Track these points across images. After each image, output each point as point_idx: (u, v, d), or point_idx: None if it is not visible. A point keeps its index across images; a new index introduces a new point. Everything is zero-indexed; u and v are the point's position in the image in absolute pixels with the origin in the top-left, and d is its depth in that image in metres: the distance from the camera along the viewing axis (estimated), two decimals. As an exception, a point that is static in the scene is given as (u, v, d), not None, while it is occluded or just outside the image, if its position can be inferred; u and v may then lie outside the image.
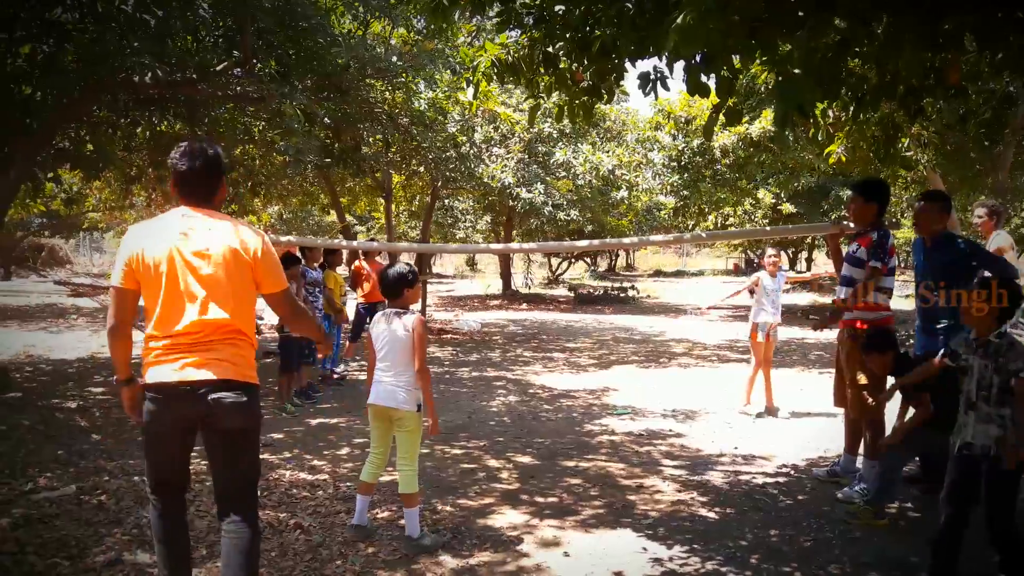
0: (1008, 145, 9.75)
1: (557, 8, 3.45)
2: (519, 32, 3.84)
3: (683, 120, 12.80)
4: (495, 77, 3.80)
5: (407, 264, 4.26)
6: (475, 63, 3.80)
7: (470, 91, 3.92)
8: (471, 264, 37.04)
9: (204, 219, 2.92)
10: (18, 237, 25.59)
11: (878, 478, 4.40)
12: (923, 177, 10.27)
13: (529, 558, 3.90)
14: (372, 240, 11.44)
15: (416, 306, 4.33)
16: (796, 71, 2.76)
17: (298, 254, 7.54)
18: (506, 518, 4.46)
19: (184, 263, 2.83)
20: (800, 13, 2.82)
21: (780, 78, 2.80)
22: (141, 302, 2.95)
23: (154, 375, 2.86)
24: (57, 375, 8.78)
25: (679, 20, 2.52)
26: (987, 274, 4.39)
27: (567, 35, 3.59)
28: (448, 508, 4.60)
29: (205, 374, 2.81)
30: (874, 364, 4.60)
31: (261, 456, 5.37)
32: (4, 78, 5.86)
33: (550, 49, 3.67)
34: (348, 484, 4.97)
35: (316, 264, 7.96)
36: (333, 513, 4.46)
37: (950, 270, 4.62)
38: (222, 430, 2.88)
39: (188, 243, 2.85)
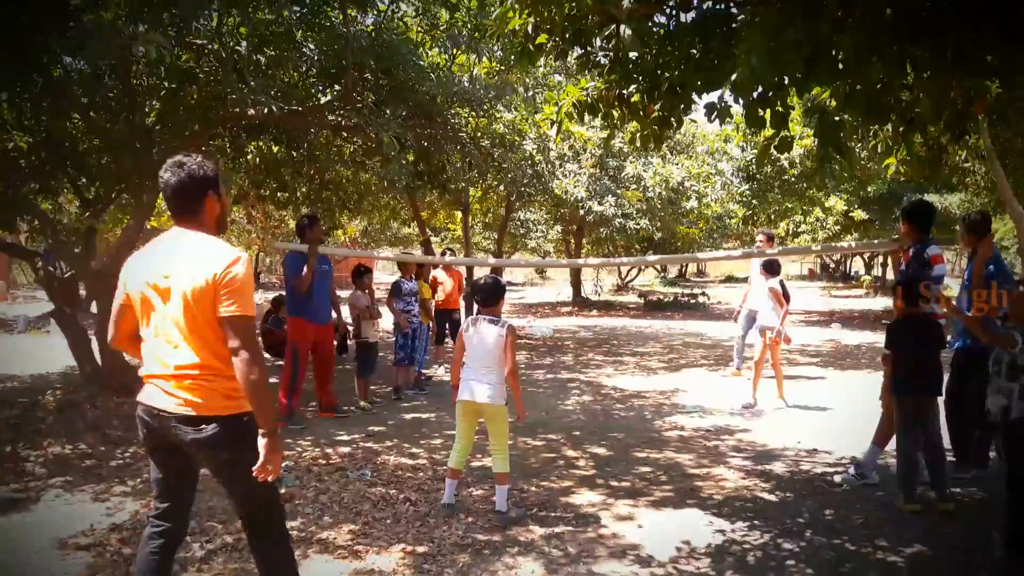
0: (1076, 151, 9.85)
1: (631, 55, 4.04)
2: (598, 75, 4.44)
3: (751, 132, 13.12)
4: (576, 116, 4.42)
5: (496, 277, 4.92)
6: (559, 105, 4.43)
7: (553, 129, 4.54)
8: (540, 272, 37.71)
9: (179, 244, 2.81)
10: (110, 251, 27.29)
11: (901, 465, 4.83)
12: (992, 184, 10.42)
13: (607, 528, 4.49)
14: (451, 252, 12.19)
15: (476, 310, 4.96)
16: (836, 117, 3.28)
17: (365, 264, 8.29)
18: (584, 498, 5.05)
19: (155, 297, 2.77)
20: (840, 66, 3.34)
21: (820, 123, 3.32)
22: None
23: (140, 394, 2.87)
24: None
25: (735, 76, 3.07)
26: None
27: (639, 78, 4.19)
28: (533, 488, 5.22)
29: (170, 406, 2.73)
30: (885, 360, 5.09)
31: (367, 445, 6.20)
32: (138, 119, 6.76)
33: (624, 92, 4.27)
34: (443, 467, 5.62)
35: (410, 275, 8.69)
36: (434, 490, 5.12)
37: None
38: (201, 462, 2.88)
39: (158, 274, 2.77)
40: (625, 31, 3.31)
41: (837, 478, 5.36)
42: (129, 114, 6.15)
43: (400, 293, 8.46)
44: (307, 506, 4.78)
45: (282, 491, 4.84)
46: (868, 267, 36.76)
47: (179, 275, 2.73)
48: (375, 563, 3.96)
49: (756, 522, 4.59)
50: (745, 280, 10.20)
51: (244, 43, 6.00)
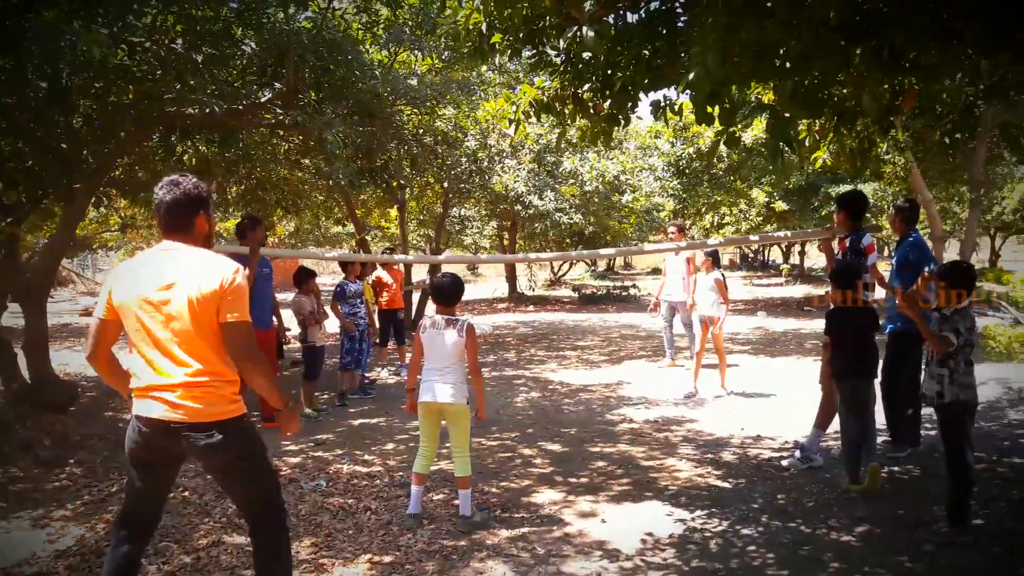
0: (981, 142, 10.43)
1: (585, 55, 4.08)
2: (550, 74, 4.47)
3: (680, 127, 13.46)
4: (532, 115, 4.44)
5: (456, 275, 4.85)
6: (516, 104, 4.44)
7: (512, 128, 4.55)
8: (473, 269, 37.68)
9: (177, 255, 2.91)
10: (26, 258, 25.99)
11: (845, 447, 5.04)
12: (906, 173, 10.92)
13: (571, 526, 4.53)
14: (391, 250, 12.05)
15: (431, 309, 4.89)
16: (786, 114, 3.39)
17: (308, 267, 8.12)
18: (545, 496, 5.08)
19: (151, 309, 2.83)
20: (787, 64, 3.45)
21: (771, 120, 3.43)
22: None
23: (136, 408, 2.90)
24: (103, 391, 9.33)
25: (691, 76, 3.13)
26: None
27: (592, 77, 4.23)
28: (494, 489, 5.23)
29: (178, 416, 2.81)
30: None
31: (316, 454, 6.07)
32: (66, 119, 6.45)
33: (578, 91, 4.30)
34: (400, 473, 5.58)
35: (355, 277, 8.55)
36: (394, 497, 5.07)
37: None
38: (209, 467, 3.05)
39: (155, 286, 2.84)
40: (587, 32, 3.33)
41: (785, 462, 5.56)
42: (56, 114, 5.86)
43: (345, 296, 8.32)
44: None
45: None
46: (786, 256, 38.04)
47: (183, 285, 2.83)
48: (342, 575, 3.90)
49: (714, 510, 4.71)
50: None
51: (181, 40, 5.78)
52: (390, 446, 6.43)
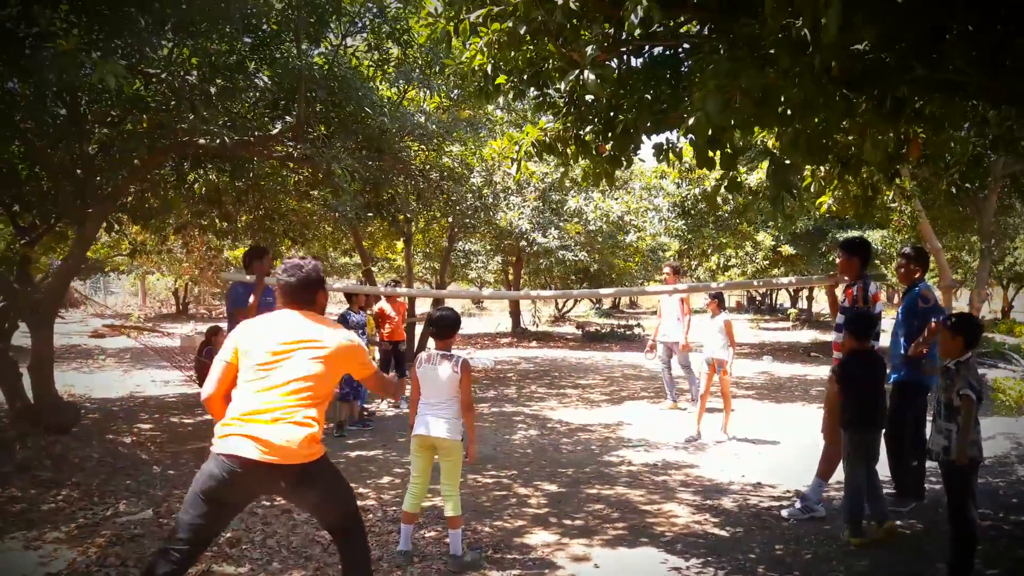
0: (992, 192, 10.45)
1: (588, 97, 4.13)
2: (553, 115, 4.52)
3: (686, 168, 13.54)
4: (535, 155, 4.49)
5: (452, 309, 4.85)
6: (519, 145, 4.49)
7: (514, 168, 4.59)
8: (478, 303, 37.74)
9: (304, 321, 3.37)
10: (39, 280, 26.23)
11: (846, 499, 4.95)
12: (914, 221, 10.93)
13: (563, 570, 4.47)
14: (396, 283, 12.09)
15: (431, 343, 4.89)
16: (787, 160, 3.42)
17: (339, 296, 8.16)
18: (539, 537, 5.02)
19: (273, 359, 3.23)
20: (789, 112, 3.48)
21: (771, 166, 3.45)
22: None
23: (228, 447, 3.12)
24: (105, 413, 9.37)
25: (691, 121, 3.16)
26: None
27: (594, 119, 4.28)
28: (487, 529, 5.17)
29: (274, 457, 3.08)
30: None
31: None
32: (82, 146, 6.56)
33: (581, 132, 4.35)
34: (394, 508, 5.53)
35: (359, 308, 8.57)
36: (386, 532, 5.03)
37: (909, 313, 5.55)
38: (299, 502, 3.42)
39: (280, 340, 3.27)
40: (588, 76, 3.38)
41: (784, 512, 5.47)
42: (73, 141, 5.95)
43: (347, 325, 8.35)
44: (254, 551, 4.62)
45: (228, 535, 4.69)
46: (794, 301, 37.96)
47: (307, 344, 3.29)
48: (330, 610, 3.86)
49: (709, 559, 4.63)
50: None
51: (195, 72, 5.90)
52: (385, 479, 6.38)
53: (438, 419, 4.51)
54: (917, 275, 5.67)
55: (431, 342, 4.82)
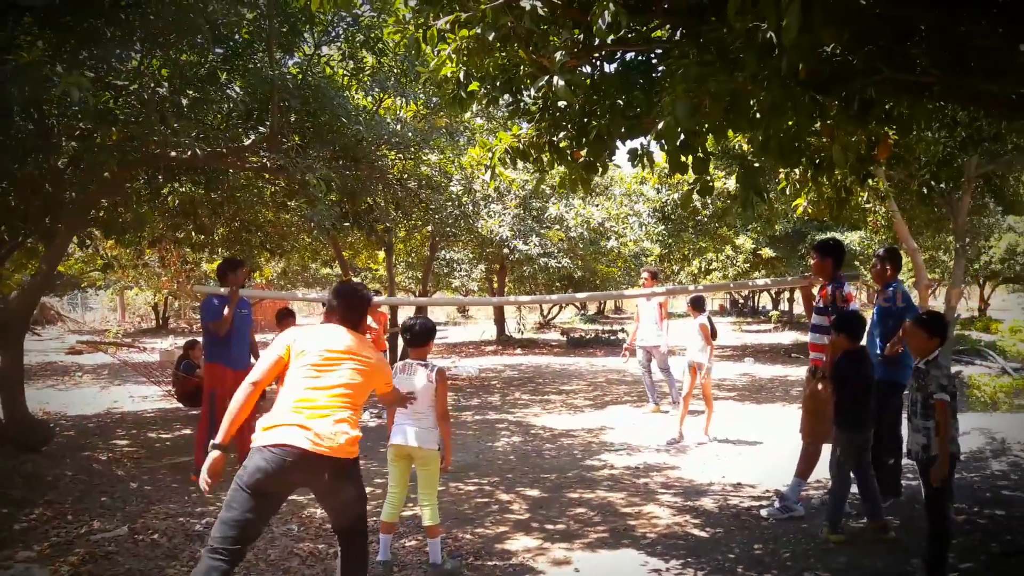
0: (965, 192, 10.58)
1: (560, 103, 4.14)
2: (527, 121, 4.53)
3: (664, 174, 13.62)
4: (508, 161, 4.49)
5: (427, 318, 4.82)
6: (492, 151, 4.49)
7: (487, 175, 4.59)
8: (463, 311, 37.68)
9: (346, 333, 3.69)
10: (12, 298, 25.91)
11: (831, 498, 4.99)
12: (889, 222, 11.04)
13: (544, 575, 4.46)
14: (375, 293, 12.05)
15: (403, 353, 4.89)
16: (755, 163, 3.45)
17: (288, 307, 8.12)
18: (520, 543, 5.01)
19: (327, 361, 3.53)
20: (757, 115, 3.51)
21: (742, 169, 3.48)
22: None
23: (276, 436, 3.34)
24: (80, 430, 9.24)
25: (660, 125, 3.18)
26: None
27: (568, 125, 4.30)
28: (468, 536, 5.15)
29: (322, 449, 3.33)
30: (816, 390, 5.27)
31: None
32: (50, 160, 6.48)
33: (554, 139, 4.36)
34: (373, 519, 5.46)
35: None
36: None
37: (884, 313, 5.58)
38: (328, 493, 3.57)
39: (335, 346, 3.59)
40: (557, 82, 3.39)
41: (763, 512, 5.50)
42: (41, 154, 5.89)
43: None
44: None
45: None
46: (775, 303, 38.19)
47: (354, 355, 3.61)
48: (308, 622, 3.82)
49: (689, 560, 4.64)
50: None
51: (166, 84, 5.86)
52: (366, 490, 6.33)
53: (415, 429, 4.48)
54: (891, 275, 5.73)
55: (406, 351, 4.80)
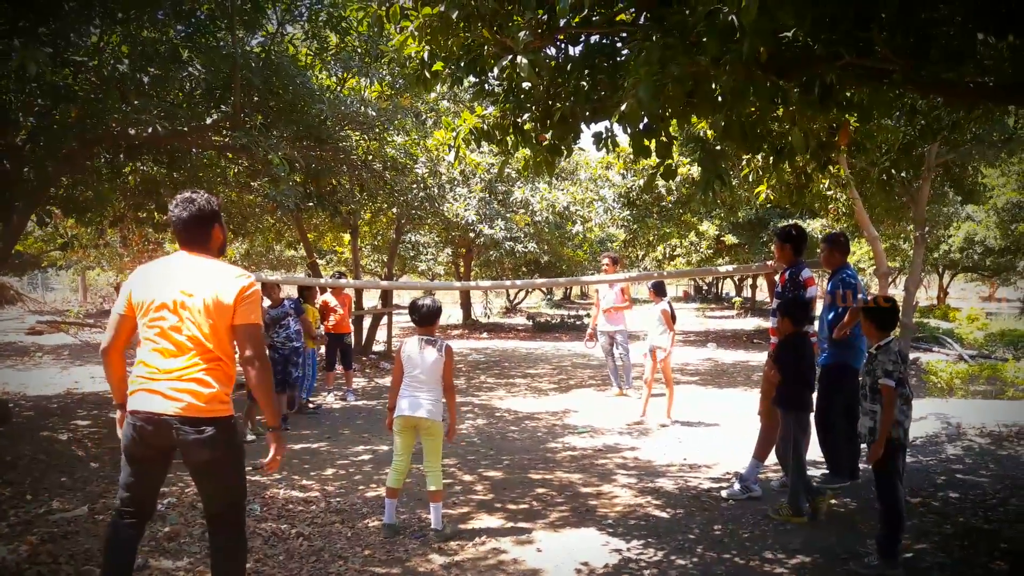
0: (925, 180, 10.77)
1: (524, 84, 4.14)
2: (492, 103, 4.52)
3: (631, 160, 13.68)
4: (473, 143, 4.49)
5: (435, 299, 4.97)
6: (456, 132, 4.48)
7: (451, 155, 4.59)
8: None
9: (197, 263, 3.22)
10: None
11: (792, 480, 5.09)
12: (850, 210, 11.21)
13: (507, 554, 4.50)
14: (340, 275, 11.97)
15: (382, 336, 4.96)
16: (717, 147, 3.48)
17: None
18: (483, 523, 5.05)
19: (172, 303, 3.13)
20: (719, 99, 3.54)
21: (701, 152, 3.51)
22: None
23: (133, 402, 3.15)
24: (40, 410, 9.07)
25: (623, 108, 3.20)
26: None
27: (532, 107, 4.30)
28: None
29: (173, 408, 3.06)
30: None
31: (253, 478, 5.96)
32: (7, 137, 6.32)
33: (519, 120, 4.36)
34: (337, 499, 5.51)
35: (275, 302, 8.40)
36: (328, 523, 4.99)
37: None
38: (191, 461, 3.18)
39: (176, 290, 3.14)
40: (521, 61, 3.38)
41: (724, 492, 5.59)
42: (-2, 131, 5.74)
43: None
44: (193, 544, 4.55)
45: (166, 529, 4.64)
46: (739, 289, 38.67)
47: (205, 289, 3.13)
48: (269, 602, 3.82)
49: (650, 540, 4.71)
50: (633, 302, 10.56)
51: (126, 61, 5.73)
52: (329, 471, 6.33)
53: (421, 400, 4.72)
54: (839, 260, 5.81)
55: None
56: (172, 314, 3.13)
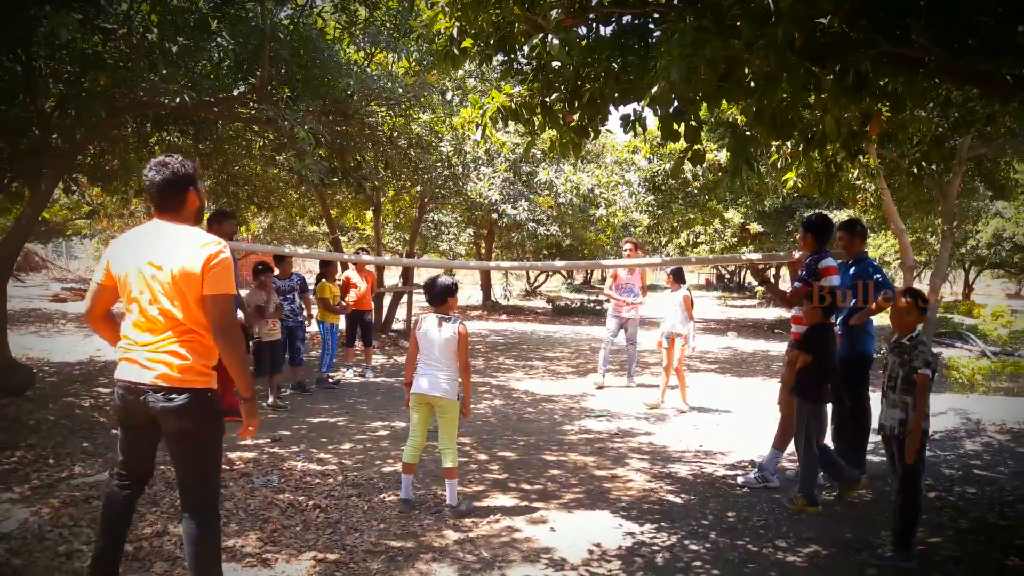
0: (956, 174, 10.60)
1: (554, 64, 4.10)
2: (520, 81, 4.49)
3: (658, 144, 13.58)
4: (500, 121, 4.46)
5: (449, 277, 5.01)
6: (484, 109, 4.45)
7: (478, 133, 4.57)
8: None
9: (167, 231, 3.12)
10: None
11: (804, 470, 5.05)
12: (878, 201, 11.07)
13: (520, 532, 4.52)
14: (363, 251, 12.01)
15: (401, 314, 5.01)
16: (747, 133, 3.43)
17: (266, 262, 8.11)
18: (498, 501, 5.08)
19: (143, 275, 3.06)
20: (751, 84, 3.49)
21: (731, 138, 3.46)
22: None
23: (117, 372, 3.16)
24: (63, 376, 9.21)
25: (654, 90, 3.16)
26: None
27: (561, 87, 4.26)
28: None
29: (148, 377, 3.04)
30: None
31: (272, 450, 6.03)
32: (37, 102, 6.37)
33: (547, 99, 4.33)
34: (354, 473, 5.56)
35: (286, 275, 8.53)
36: (345, 496, 5.04)
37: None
38: (164, 431, 3.14)
39: (147, 259, 3.06)
40: (552, 40, 3.35)
41: (740, 479, 5.58)
42: (27, 97, 5.78)
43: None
44: (212, 512, 4.60)
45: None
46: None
47: (172, 260, 3.04)
48: (285, 571, 3.87)
49: (663, 524, 4.72)
50: (648, 288, 10.46)
51: (155, 30, 5.75)
52: (347, 446, 6.39)
53: (435, 378, 4.78)
54: (857, 247, 5.75)
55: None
56: (145, 287, 3.07)
